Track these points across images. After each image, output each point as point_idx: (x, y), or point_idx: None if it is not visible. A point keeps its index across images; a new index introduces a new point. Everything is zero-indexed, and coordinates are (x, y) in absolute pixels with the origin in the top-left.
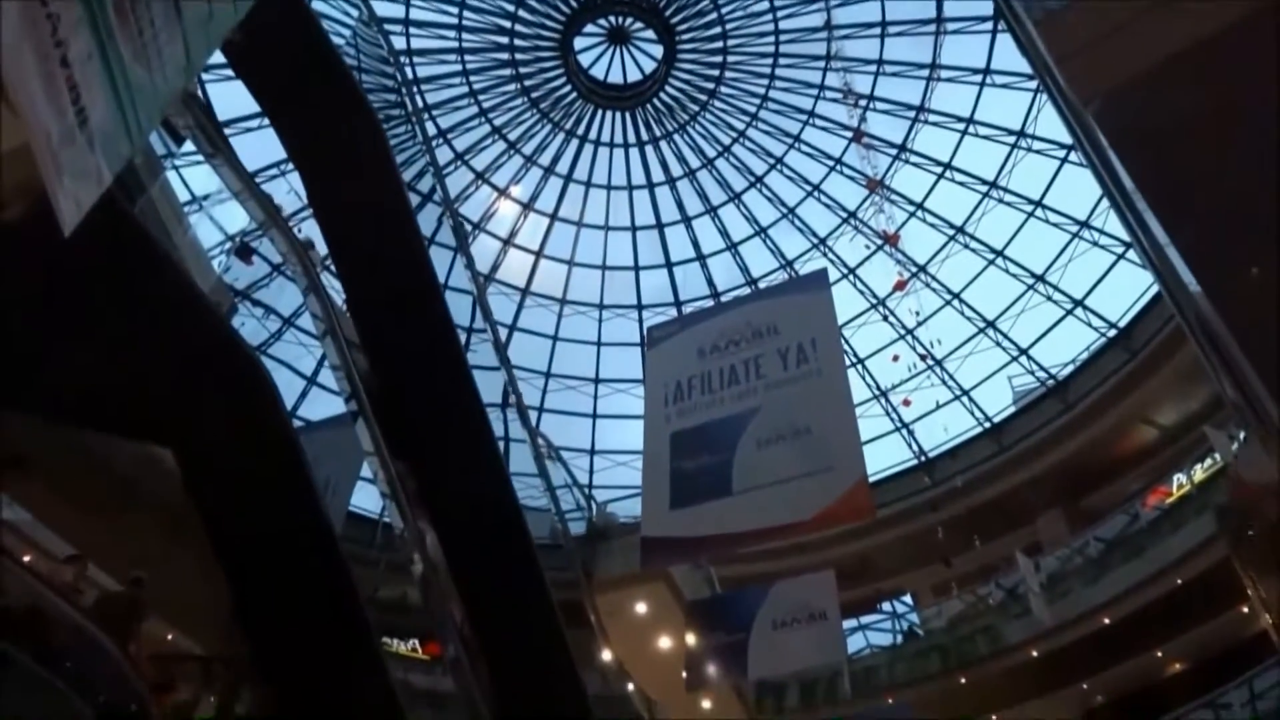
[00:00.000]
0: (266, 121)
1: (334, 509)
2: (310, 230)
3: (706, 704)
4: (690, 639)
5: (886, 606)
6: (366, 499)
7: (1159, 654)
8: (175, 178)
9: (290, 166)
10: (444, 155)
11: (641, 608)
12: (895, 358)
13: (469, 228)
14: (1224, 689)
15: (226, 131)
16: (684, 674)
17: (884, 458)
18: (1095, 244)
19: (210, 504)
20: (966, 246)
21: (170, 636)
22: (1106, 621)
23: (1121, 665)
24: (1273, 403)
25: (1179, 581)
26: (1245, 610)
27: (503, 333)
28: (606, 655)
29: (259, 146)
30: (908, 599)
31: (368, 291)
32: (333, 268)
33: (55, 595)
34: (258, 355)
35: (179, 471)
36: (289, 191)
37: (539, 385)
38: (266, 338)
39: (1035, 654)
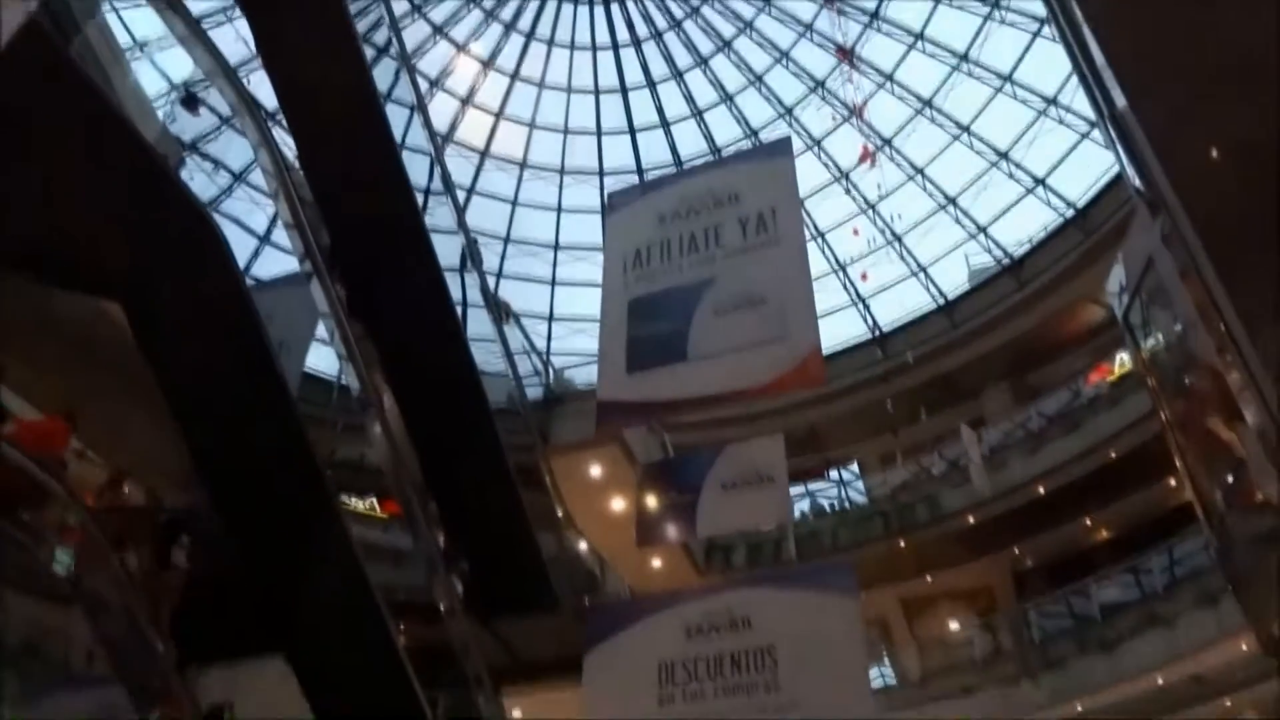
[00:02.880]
0: None
1: (289, 368)
2: (260, 81)
3: (657, 563)
4: (642, 500)
5: (834, 475)
6: (322, 360)
7: (1088, 522)
8: (116, 21)
9: (238, 12)
10: (400, 7)
11: (595, 471)
12: (855, 231)
13: (426, 85)
14: (1145, 555)
15: None
16: (635, 533)
17: (839, 331)
18: (1061, 122)
19: (162, 361)
20: (933, 120)
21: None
22: (1041, 491)
23: (1052, 532)
24: (1221, 286)
25: (1112, 455)
26: (1171, 483)
27: (461, 196)
28: (561, 516)
29: None
30: (855, 468)
31: (320, 148)
32: (283, 121)
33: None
34: (206, 208)
35: (129, 328)
36: (237, 39)
37: (498, 250)
38: (216, 193)
39: (972, 521)
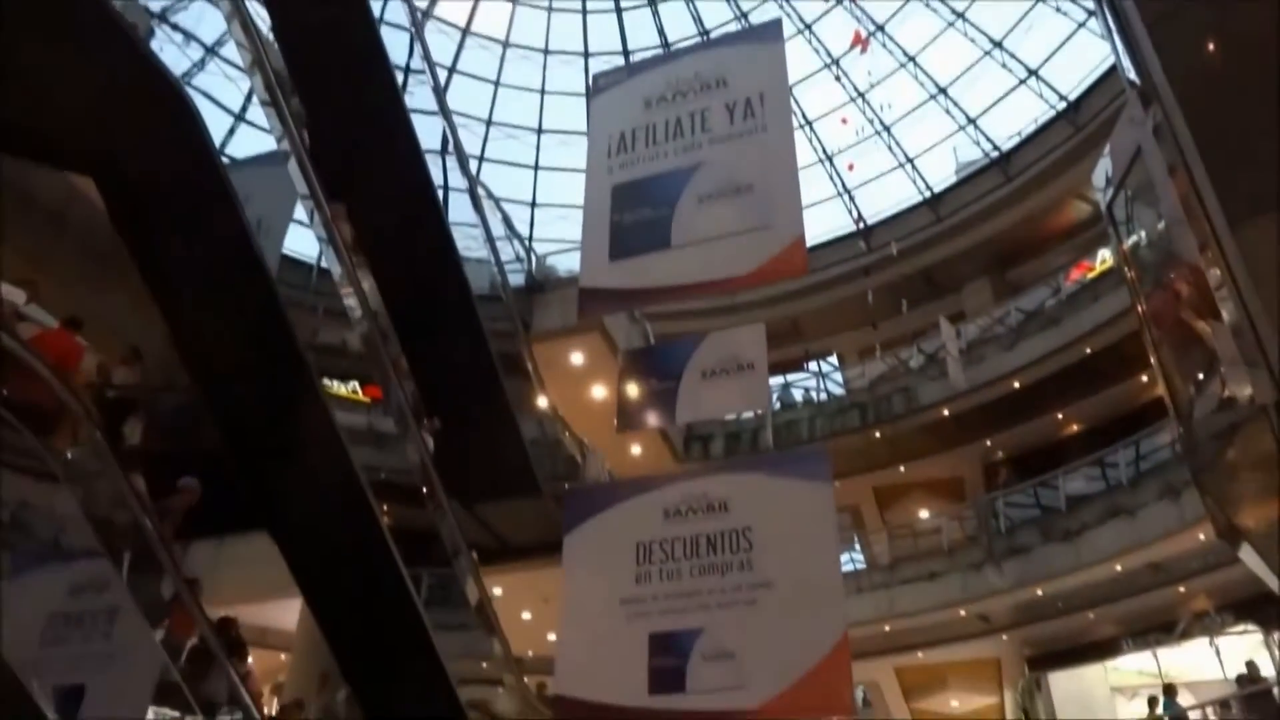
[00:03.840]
0: None
1: (268, 249)
2: None
3: (636, 450)
4: (622, 386)
5: (814, 367)
6: (301, 243)
7: (1059, 416)
8: None
9: None
10: None
11: (577, 359)
12: (844, 120)
13: None
14: (1113, 448)
15: None
16: (615, 419)
17: (823, 223)
18: (1058, 10)
19: (137, 238)
20: (928, 5)
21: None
22: (1016, 386)
23: (1024, 425)
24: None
25: (1088, 351)
26: (1143, 380)
27: (441, 75)
28: (543, 403)
29: None
30: (834, 360)
31: (295, 20)
32: None
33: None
34: (178, 80)
35: (104, 205)
36: None
37: (479, 133)
38: (189, 67)
39: (947, 413)
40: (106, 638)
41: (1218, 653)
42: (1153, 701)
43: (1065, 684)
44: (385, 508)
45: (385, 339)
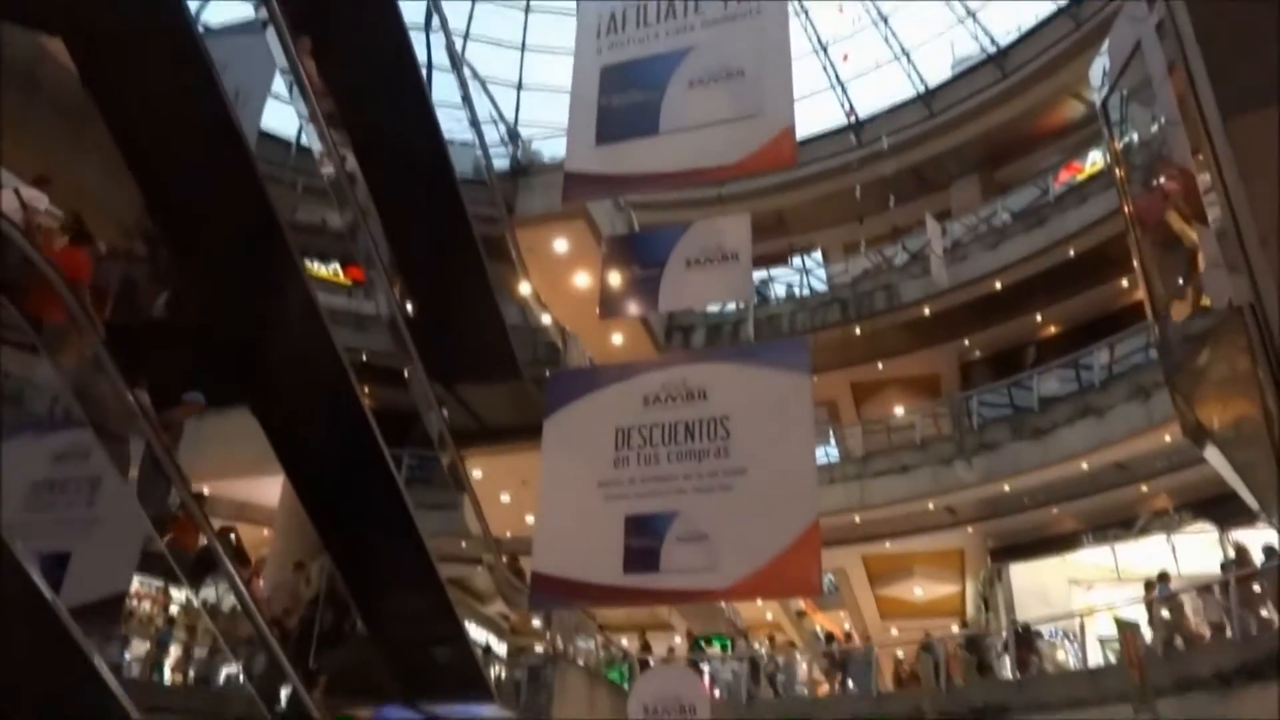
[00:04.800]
0: None
1: (246, 120)
2: None
3: (618, 340)
4: (605, 273)
5: (798, 262)
6: (279, 120)
7: (1038, 317)
8: None
9: None
10: None
11: (561, 245)
12: (840, 9)
13: None
14: (1088, 349)
15: None
16: (597, 307)
17: (814, 115)
18: None
19: (110, 101)
20: None
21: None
22: (997, 286)
23: (1002, 325)
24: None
25: (1071, 253)
26: (1123, 284)
27: None
28: (526, 289)
29: None
30: (818, 255)
31: None
32: None
33: None
34: None
35: (75, 65)
36: None
37: (464, 9)
38: None
39: (927, 311)
40: (89, 505)
41: (1173, 549)
42: (1149, 585)
43: (1025, 575)
44: (366, 389)
45: (366, 216)
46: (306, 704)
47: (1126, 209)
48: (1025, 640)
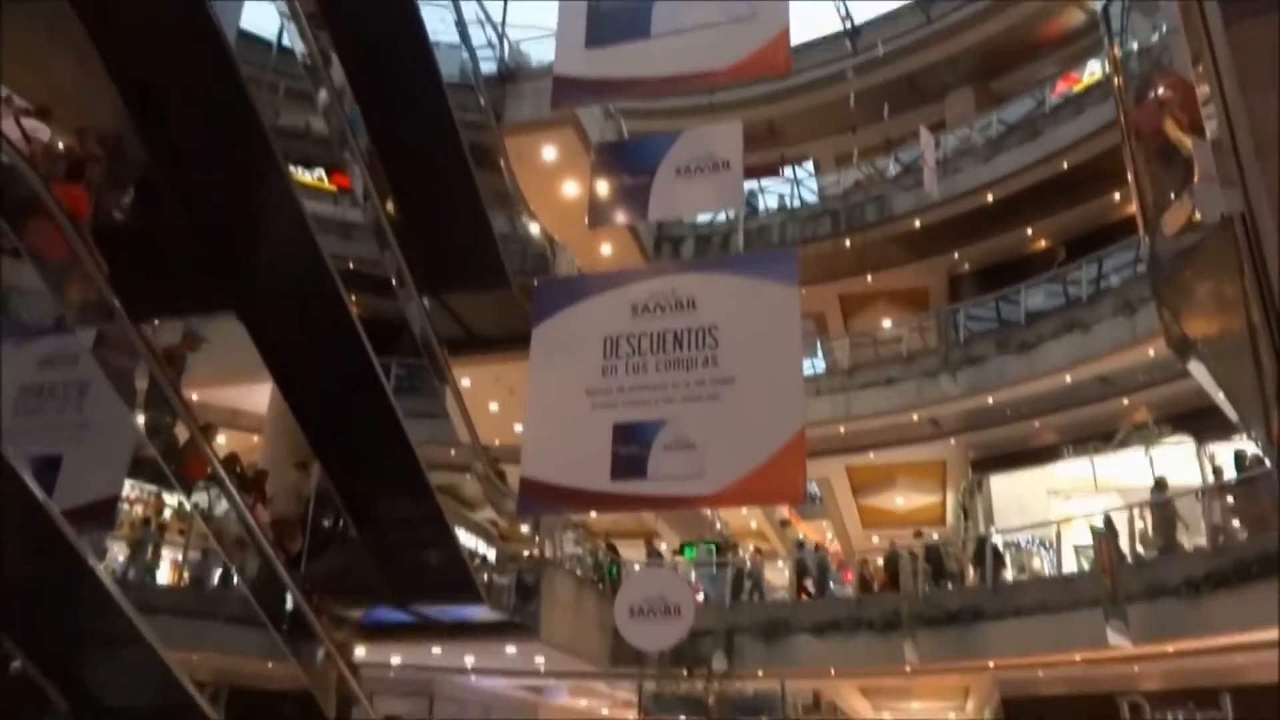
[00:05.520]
0: None
1: (225, 14)
2: None
3: (606, 250)
4: (594, 181)
5: (789, 173)
6: (258, 19)
7: (1029, 231)
8: None
9: None
10: None
11: (549, 153)
12: None
13: None
14: (1076, 263)
15: None
16: (586, 215)
17: (809, 21)
18: None
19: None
20: None
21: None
22: (989, 199)
23: (992, 239)
24: None
25: (1065, 166)
26: (1115, 198)
27: None
28: (513, 197)
29: None
30: (810, 166)
31: None
32: None
33: None
34: None
35: None
36: None
37: None
38: None
39: (918, 224)
40: (79, 410)
41: (1150, 462)
42: (1159, 484)
43: (1004, 486)
44: (353, 297)
45: (354, 128)
46: (303, 608)
47: (1124, 118)
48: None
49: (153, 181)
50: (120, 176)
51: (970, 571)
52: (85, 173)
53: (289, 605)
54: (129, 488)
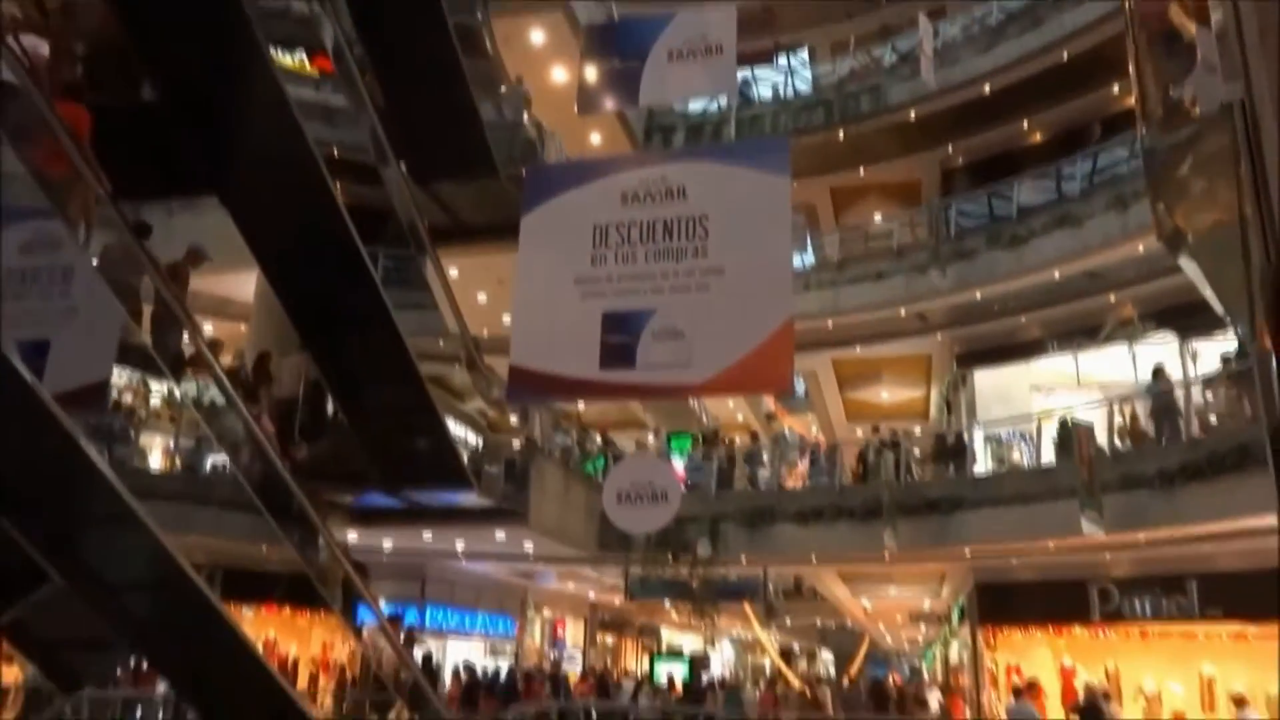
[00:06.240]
0: None
1: None
2: None
3: (596, 139)
4: (584, 65)
5: (783, 62)
6: None
7: (1025, 124)
8: None
9: None
10: None
11: (537, 37)
12: None
13: None
14: (1070, 157)
15: None
16: (576, 101)
17: None
18: None
19: None
20: None
21: None
22: (986, 90)
23: (987, 132)
24: None
25: (1065, 56)
26: (1114, 91)
27: None
28: (500, 83)
29: None
30: (805, 55)
31: None
32: None
33: None
34: None
35: None
36: None
37: None
38: None
39: (913, 115)
40: (64, 295)
41: (1133, 358)
42: (1157, 372)
43: (988, 380)
44: (338, 185)
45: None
46: (295, 492)
47: (1128, 3)
48: (957, 447)
49: (103, 53)
50: (69, 50)
51: (917, 467)
52: (84, 93)
53: (287, 492)
54: (123, 376)
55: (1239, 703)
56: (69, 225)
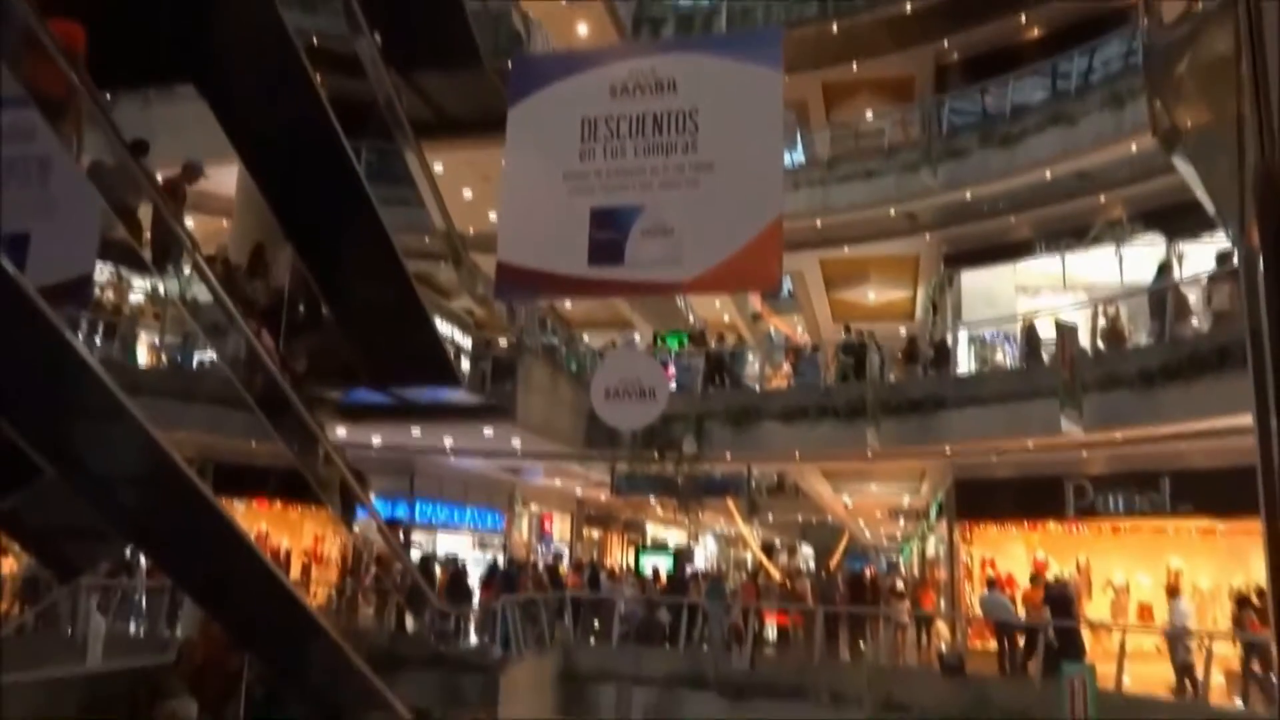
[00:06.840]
0: None
1: None
2: None
3: (583, 30)
4: None
5: None
6: None
7: (1022, 18)
8: None
9: None
10: None
11: None
12: None
13: None
14: (1066, 53)
15: None
16: None
17: None
18: None
19: None
20: None
21: None
22: None
23: (984, 26)
24: None
25: None
26: None
27: None
28: None
29: None
30: None
31: None
32: None
33: None
34: None
35: None
36: None
37: None
38: None
39: (909, 8)
40: (43, 186)
41: (1120, 260)
42: (1164, 268)
43: (975, 281)
44: (320, 76)
45: None
46: (284, 388)
47: None
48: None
49: None
50: None
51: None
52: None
53: (276, 388)
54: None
55: (1171, 593)
56: (63, 141)
